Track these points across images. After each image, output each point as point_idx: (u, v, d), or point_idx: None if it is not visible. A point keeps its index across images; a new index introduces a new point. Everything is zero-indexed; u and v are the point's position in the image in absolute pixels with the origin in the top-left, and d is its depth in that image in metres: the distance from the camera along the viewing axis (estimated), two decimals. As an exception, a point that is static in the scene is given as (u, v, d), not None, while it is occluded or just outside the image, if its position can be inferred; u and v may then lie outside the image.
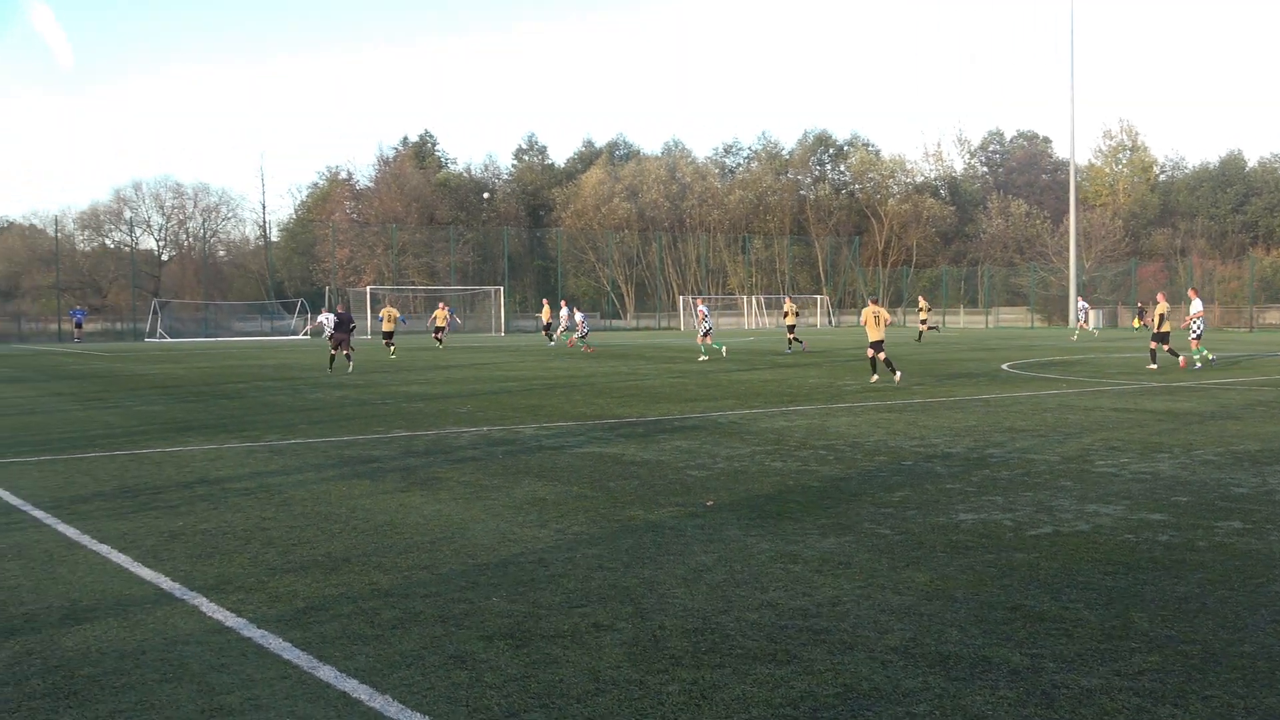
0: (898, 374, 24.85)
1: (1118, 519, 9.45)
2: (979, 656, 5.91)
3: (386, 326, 41.64)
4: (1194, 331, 29.74)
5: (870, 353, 24.73)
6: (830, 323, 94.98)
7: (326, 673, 5.76)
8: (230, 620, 6.74)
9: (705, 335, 36.23)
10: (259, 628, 6.57)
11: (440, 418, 18.36)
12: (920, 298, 58.34)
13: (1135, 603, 6.90)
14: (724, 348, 38.49)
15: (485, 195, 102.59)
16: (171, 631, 6.54)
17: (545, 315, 53.79)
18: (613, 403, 20.60)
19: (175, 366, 35.91)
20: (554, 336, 51.50)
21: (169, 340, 65.14)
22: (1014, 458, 13.08)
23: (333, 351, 31.29)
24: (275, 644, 6.25)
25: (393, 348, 41.10)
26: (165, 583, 7.66)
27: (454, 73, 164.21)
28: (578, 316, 45.88)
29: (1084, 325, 62.53)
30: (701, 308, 36.96)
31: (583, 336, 45.19)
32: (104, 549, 8.71)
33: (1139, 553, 8.19)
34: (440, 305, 50.35)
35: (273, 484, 11.84)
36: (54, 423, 18.47)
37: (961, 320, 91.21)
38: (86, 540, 9.04)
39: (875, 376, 24.88)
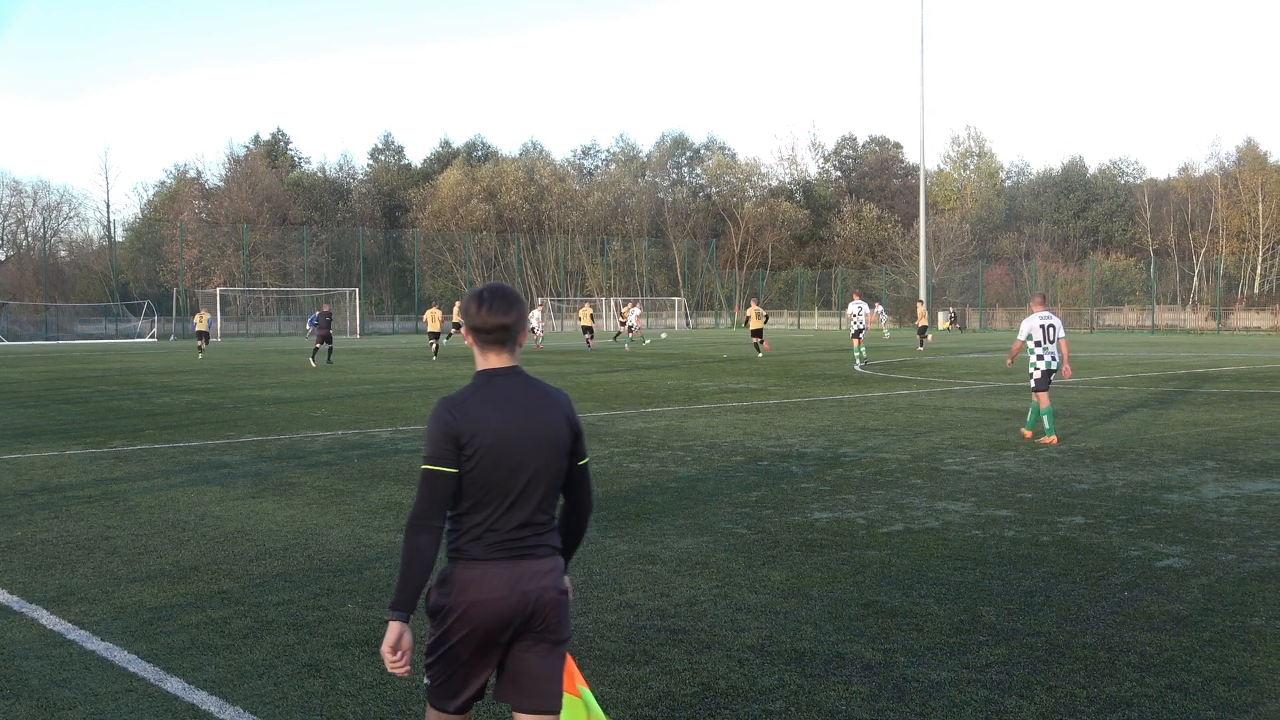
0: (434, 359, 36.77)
1: (966, 516, 9.72)
2: (833, 652, 6.01)
3: (200, 327, 44.65)
4: (853, 329, 34.29)
5: (433, 343, 38.84)
6: (688, 324, 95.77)
7: (175, 685, 5.61)
8: (72, 633, 6.51)
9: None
10: (103, 640, 6.36)
11: (294, 422, 18.01)
12: (630, 303, 59.40)
13: (983, 597, 7.10)
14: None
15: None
16: (9, 646, 6.29)
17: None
18: (471, 405, 20.40)
19: (13, 370, 34.55)
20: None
21: (6, 343, 62.62)
22: (866, 457, 13.35)
23: (317, 345, 35.55)
24: (120, 656, 6.06)
25: (202, 348, 44.07)
26: (2, 595, 7.36)
27: (308, 69, 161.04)
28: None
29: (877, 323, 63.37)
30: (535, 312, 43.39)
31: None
32: (-64, 561, 8.34)
33: (986, 548, 8.43)
34: (456, 304, 49.30)
35: (118, 491, 11.47)
36: (-119, 430, 17.60)
37: (816, 322, 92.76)
38: (-83, 552, 8.65)
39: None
